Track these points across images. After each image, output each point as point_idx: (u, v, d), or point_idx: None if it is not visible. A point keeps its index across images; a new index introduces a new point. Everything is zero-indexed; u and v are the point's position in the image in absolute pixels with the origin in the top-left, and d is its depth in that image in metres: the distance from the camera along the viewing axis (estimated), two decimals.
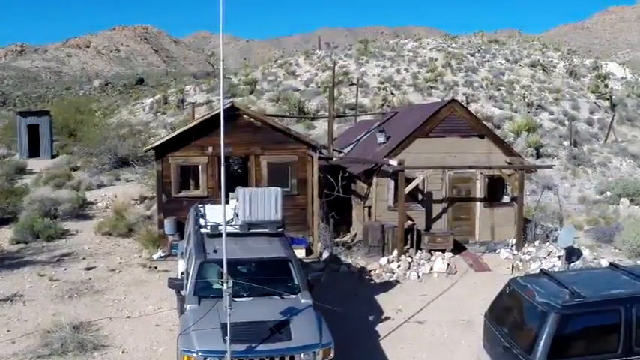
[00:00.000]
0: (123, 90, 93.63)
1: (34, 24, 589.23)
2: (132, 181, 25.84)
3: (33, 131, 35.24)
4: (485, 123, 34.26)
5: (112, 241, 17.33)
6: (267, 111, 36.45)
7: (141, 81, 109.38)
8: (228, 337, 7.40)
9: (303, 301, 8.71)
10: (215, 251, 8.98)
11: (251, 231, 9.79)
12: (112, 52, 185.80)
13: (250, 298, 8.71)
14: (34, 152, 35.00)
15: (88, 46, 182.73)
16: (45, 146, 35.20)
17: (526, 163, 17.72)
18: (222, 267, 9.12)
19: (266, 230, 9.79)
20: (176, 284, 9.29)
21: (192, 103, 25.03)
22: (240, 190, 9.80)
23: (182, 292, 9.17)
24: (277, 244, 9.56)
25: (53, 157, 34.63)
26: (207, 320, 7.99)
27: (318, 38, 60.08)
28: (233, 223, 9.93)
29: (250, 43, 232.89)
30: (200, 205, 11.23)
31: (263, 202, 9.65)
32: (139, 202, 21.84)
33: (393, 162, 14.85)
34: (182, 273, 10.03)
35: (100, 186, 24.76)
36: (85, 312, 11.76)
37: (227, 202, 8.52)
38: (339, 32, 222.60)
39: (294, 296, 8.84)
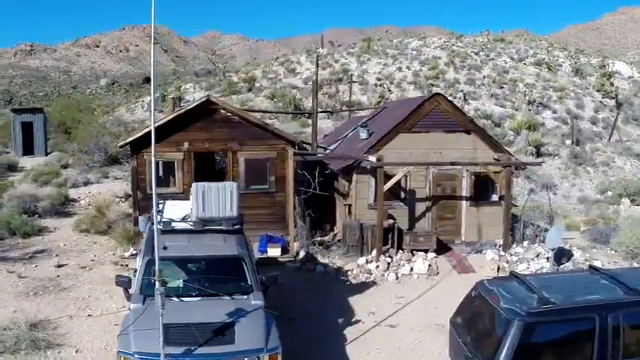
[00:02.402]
0: (128, 89, 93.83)
1: (43, 24, 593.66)
2: (120, 178, 25.47)
3: (28, 129, 34.92)
4: (483, 120, 33.70)
5: (89, 239, 16.95)
6: (261, 108, 35.96)
7: (147, 80, 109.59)
8: (161, 340, 6.91)
9: (253, 302, 8.19)
10: (165, 248, 8.52)
11: (206, 228, 9.28)
12: (121, 51, 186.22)
13: (198, 298, 8.23)
14: (28, 150, 34.67)
15: (98, 46, 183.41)
16: (39, 144, 34.81)
17: (514, 160, 16.96)
18: (172, 265, 8.71)
19: (222, 227, 9.27)
20: (124, 282, 8.83)
21: (173, 97, 24.49)
22: (193, 185, 9.31)
23: (130, 291, 8.71)
24: (232, 241, 9.03)
25: (47, 154, 34.27)
26: (149, 321, 7.49)
27: (321, 36, 59.53)
28: (188, 219, 9.47)
29: (259, 42, 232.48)
30: (160, 201, 10.74)
31: (217, 198, 9.13)
32: (123, 199, 21.39)
33: (372, 158, 14.22)
34: (134, 270, 9.57)
35: (86, 183, 24.39)
36: (47, 310, 11.42)
37: (160, 201, 8.02)
38: (348, 32, 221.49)
39: (245, 297, 8.33)
